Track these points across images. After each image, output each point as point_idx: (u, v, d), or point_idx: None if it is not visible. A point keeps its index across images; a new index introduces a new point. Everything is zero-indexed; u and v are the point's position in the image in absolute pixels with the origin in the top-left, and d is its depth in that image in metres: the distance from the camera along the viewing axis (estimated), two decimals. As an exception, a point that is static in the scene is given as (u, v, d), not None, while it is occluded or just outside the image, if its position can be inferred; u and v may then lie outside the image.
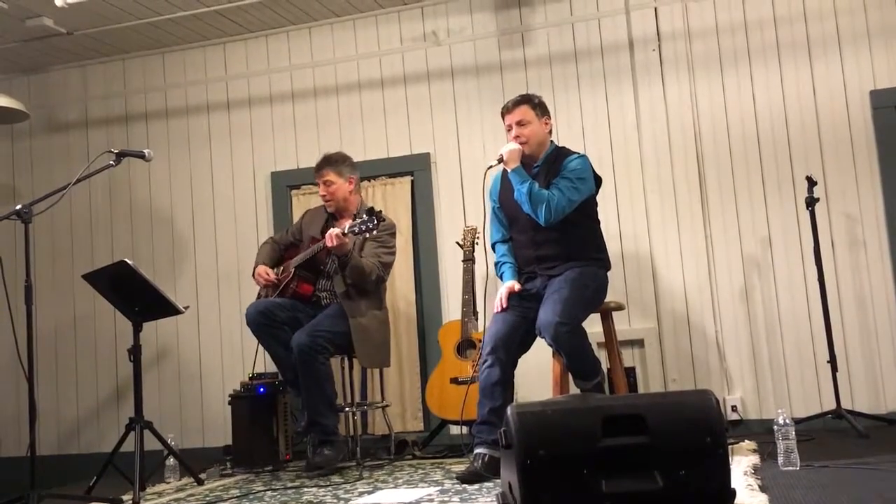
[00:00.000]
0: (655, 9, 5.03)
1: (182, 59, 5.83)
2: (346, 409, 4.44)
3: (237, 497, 3.59)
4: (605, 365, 4.09)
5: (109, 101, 5.95)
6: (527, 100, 3.91)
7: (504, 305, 3.79)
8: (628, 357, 4.80)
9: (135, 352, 3.92)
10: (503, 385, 3.64)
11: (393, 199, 5.33)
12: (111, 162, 3.71)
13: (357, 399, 4.67)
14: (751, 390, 4.72)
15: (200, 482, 4.01)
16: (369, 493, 3.47)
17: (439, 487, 3.46)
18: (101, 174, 3.95)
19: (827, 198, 4.66)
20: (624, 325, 4.75)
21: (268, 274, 4.51)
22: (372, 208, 4.01)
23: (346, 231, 4.03)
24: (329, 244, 4.05)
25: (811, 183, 4.38)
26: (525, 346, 3.79)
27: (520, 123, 3.86)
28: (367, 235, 4.12)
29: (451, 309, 5.11)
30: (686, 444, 2.34)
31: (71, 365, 5.81)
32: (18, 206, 3.43)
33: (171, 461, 4.17)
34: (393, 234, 4.43)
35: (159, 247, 5.76)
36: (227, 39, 5.74)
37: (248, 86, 5.71)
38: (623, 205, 4.95)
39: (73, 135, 6.01)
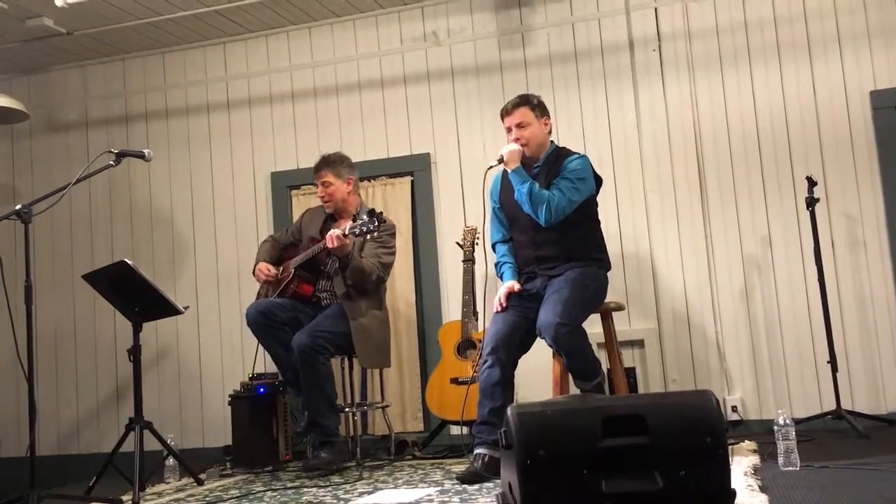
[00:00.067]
0: (655, 9, 5.03)
1: (182, 59, 5.83)
2: (346, 409, 4.44)
3: (237, 497, 3.59)
4: (605, 365, 4.09)
5: (109, 101, 5.95)
6: (526, 101, 3.90)
7: (503, 305, 3.79)
8: (628, 357, 4.80)
9: (135, 352, 3.92)
10: (503, 385, 3.64)
11: (393, 200, 5.32)
12: (111, 162, 3.70)
13: (357, 399, 4.67)
14: (751, 390, 4.72)
15: (200, 482, 4.01)
16: (369, 493, 3.47)
17: (439, 488, 3.46)
18: (101, 174, 3.94)
19: (827, 198, 4.66)
20: (624, 326, 4.75)
21: (268, 270, 4.51)
22: (372, 210, 4.01)
23: (346, 232, 4.02)
24: (329, 245, 4.05)
25: (811, 183, 4.38)
26: (525, 346, 3.79)
27: (519, 126, 3.86)
28: (368, 237, 4.13)
29: (451, 309, 5.11)
30: (686, 444, 2.34)
31: (71, 365, 5.81)
32: (18, 206, 3.43)
33: (170, 461, 4.17)
34: (393, 235, 4.43)
35: (159, 247, 5.76)
36: (227, 39, 5.74)
37: (248, 86, 5.71)
38: (623, 205, 4.95)
39: (73, 135, 6.01)
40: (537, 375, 4.29)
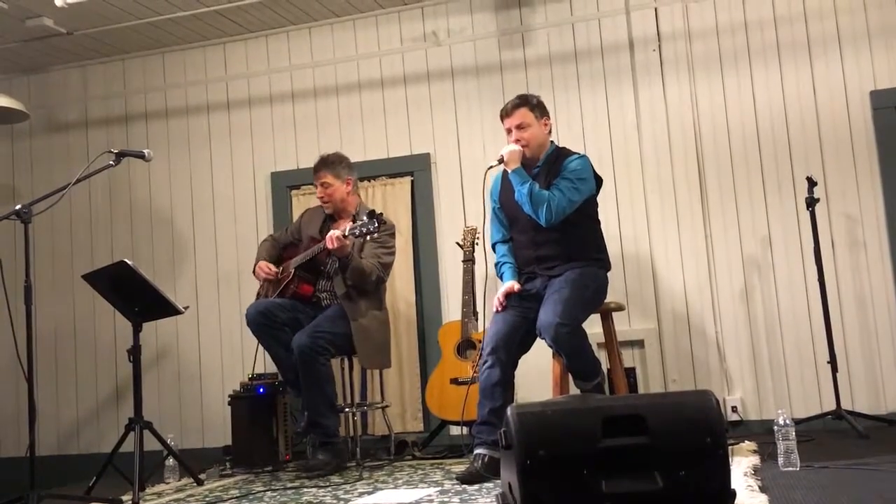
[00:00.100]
0: (655, 9, 5.03)
1: (182, 59, 5.83)
2: (346, 409, 4.44)
3: (237, 497, 3.59)
4: (605, 365, 4.09)
5: (109, 101, 5.95)
6: (525, 102, 3.89)
7: (501, 305, 3.79)
8: (628, 357, 4.80)
9: (134, 352, 3.92)
10: (503, 385, 3.64)
11: (393, 200, 5.32)
12: (111, 162, 3.70)
13: (357, 399, 4.67)
14: (751, 391, 4.72)
15: (200, 482, 4.01)
16: (369, 493, 3.47)
17: (439, 488, 3.45)
18: (101, 174, 3.94)
19: (827, 198, 4.66)
20: (624, 326, 4.75)
21: (269, 268, 4.51)
22: (372, 211, 4.01)
23: (346, 233, 4.02)
24: (329, 246, 4.05)
25: (811, 183, 4.38)
26: (525, 346, 3.79)
27: (519, 127, 3.85)
28: (368, 238, 4.13)
29: (451, 309, 5.11)
30: (686, 444, 2.34)
31: (70, 365, 5.81)
32: (18, 206, 3.42)
33: (170, 461, 4.17)
34: (392, 235, 4.43)
35: (159, 247, 5.76)
36: (227, 39, 5.74)
37: (248, 86, 5.71)
38: (623, 205, 4.95)
39: (73, 135, 6.01)
40: (537, 375, 4.29)
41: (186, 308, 4.14)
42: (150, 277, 3.95)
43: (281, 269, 4.57)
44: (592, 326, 3.93)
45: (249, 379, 4.63)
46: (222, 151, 5.72)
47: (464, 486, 3.45)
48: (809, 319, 4.64)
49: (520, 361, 3.78)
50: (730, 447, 2.92)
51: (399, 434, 4.79)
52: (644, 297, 4.89)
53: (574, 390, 3.80)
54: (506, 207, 3.98)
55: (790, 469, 3.24)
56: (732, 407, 4.69)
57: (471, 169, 5.17)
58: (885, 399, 4.53)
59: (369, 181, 5.34)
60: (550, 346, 3.64)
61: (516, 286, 3.82)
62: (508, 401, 3.62)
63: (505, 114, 3.90)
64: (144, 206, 5.81)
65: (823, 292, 4.33)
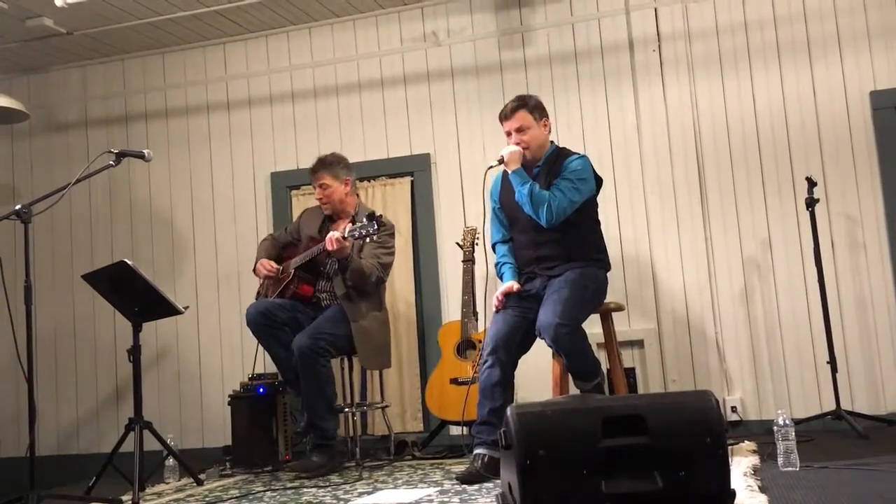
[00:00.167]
0: (655, 9, 5.03)
1: (182, 59, 5.83)
2: (346, 409, 4.43)
3: (237, 497, 3.59)
4: (604, 366, 4.09)
5: (109, 101, 5.95)
6: (524, 104, 3.87)
7: (500, 304, 3.79)
8: (628, 358, 4.80)
9: (134, 352, 3.92)
10: (503, 385, 3.64)
11: (393, 200, 5.32)
12: (111, 162, 3.70)
13: (357, 399, 4.67)
14: (750, 391, 4.72)
15: (200, 482, 4.01)
16: (369, 493, 3.47)
17: (439, 488, 3.46)
18: (101, 174, 3.94)
19: (827, 199, 4.66)
20: (624, 326, 4.75)
21: (270, 265, 4.51)
22: (372, 213, 4.01)
23: (345, 235, 4.02)
24: (329, 248, 4.05)
25: (811, 184, 4.38)
26: (525, 346, 3.79)
27: (519, 130, 3.84)
28: (367, 240, 4.13)
29: (451, 309, 5.11)
30: (686, 444, 2.34)
31: (70, 365, 5.81)
32: (18, 206, 3.43)
33: (170, 461, 4.17)
34: (392, 235, 4.43)
35: (159, 247, 5.76)
36: (227, 39, 5.74)
37: (248, 86, 5.71)
38: (623, 206, 4.95)
39: (72, 135, 6.01)
40: (537, 375, 4.29)
41: (186, 308, 4.15)
42: (150, 277, 3.95)
43: (281, 268, 4.57)
44: (592, 326, 3.93)
45: (249, 379, 4.63)
46: (222, 151, 5.72)
47: (464, 486, 3.45)
48: (809, 320, 4.64)
49: (520, 361, 3.78)
50: (729, 447, 2.93)
51: (399, 434, 4.79)
52: (644, 298, 4.89)
53: (574, 390, 3.80)
54: (506, 207, 3.98)
55: (790, 469, 3.25)
56: (732, 407, 4.69)
57: (471, 169, 5.17)
58: (885, 399, 4.53)
59: (369, 181, 5.35)
60: (550, 347, 3.64)
61: (516, 286, 3.82)
62: (508, 401, 3.62)
63: (504, 117, 3.89)
64: (144, 207, 5.82)
65: (823, 293, 4.33)
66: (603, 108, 5.06)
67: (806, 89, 4.79)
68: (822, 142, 4.74)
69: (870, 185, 4.65)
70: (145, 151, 3.79)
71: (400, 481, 3.72)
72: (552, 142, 3.98)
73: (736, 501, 2.41)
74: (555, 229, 3.74)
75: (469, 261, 4.70)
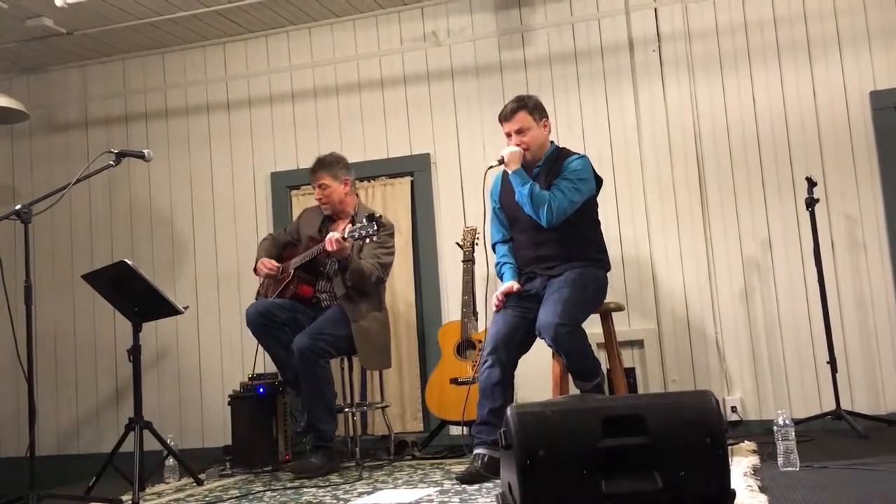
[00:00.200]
0: (655, 9, 5.03)
1: (182, 59, 5.83)
2: (346, 409, 4.44)
3: (237, 497, 3.59)
4: (604, 366, 4.09)
5: (109, 101, 5.95)
6: (523, 105, 3.86)
7: (500, 303, 3.79)
8: (628, 358, 4.80)
9: (134, 352, 3.92)
10: (503, 386, 3.64)
11: (393, 200, 5.32)
12: (111, 162, 3.70)
13: (357, 399, 4.67)
14: (750, 391, 4.72)
15: (200, 482, 4.01)
16: (369, 493, 3.47)
17: (439, 488, 3.46)
18: (101, 174, 3.94)
19: (827, 199, 4.66)
20: (624, 326, 4.75)
21: (271, 263, 4.50)
22: (372, 214, 4.01)
23: (345, 236, 4.02)
24: (329, 248, 4.04)
25: (811, 184, 4.38)
26: (525, 346, 3.79)
27: (519, 132, 3.84)
28: (367, 241, 4.12)
29: (451, 309, 5.11)
30: (686, 444, 2.35)
31: (70, 365, 5.81)
32: (18, 207, 3.42)
33: (170, 461, 4.17)
34: (391, 235, 4.43)
35: (159, 247, 5.76)
36: (227, 39, 5.74)
37: (248, 86, 5.71)
38: (623, 206, 4.95)
39: (72, 135, 6.01)
40: (537, 376, 4.29)
41: (186, 308, 4.15)
42: (150, 277, 3.95)
43: (281, 267, 4.57)
44: (592, 326, 3.93)
45: (249, 379, 4.63)
46: (222, 151, 5.72)
47: (463, 486, 3.45)
48: (809, 320, 4.64)
49: (520, 361, 3.78)
50: (729, 447, 2.93)
51: (399, 434, 4.79)
52: (644, 298, 4.89)
53: (574, 390, 3.80)
54: (506, 207, 3.98)
55: (790, 469, 3.25)
56: (732, 407, 4.69)
57: (471, 169, 5.17)
58: (885, 399, 4.53)
59: (369, 181, 5.35)
60: (550, 346, 3.64)
61: (516, 286, 3.82)
62: (508, 401, 3.62)
63: (504, 118, 3.88)
64: (144, 207, 5.82)
65: (823, 293, 4.33)
66: (603, 109, 5.06)
67: (806, 89, 4.79)
68: (822, 142, 4.74)
69: (870, 185, 4.65)
70: (145, 151, 3.79)
71: (400, 481, 3.72)
72: (552, 142, 3.98)
73: (736, 501, 2.41)
74: (555, 229, 3.74)
75: (469, 261, 4.70)
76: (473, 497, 3.20)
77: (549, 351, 3.79)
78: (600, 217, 3.99)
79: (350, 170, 4.53)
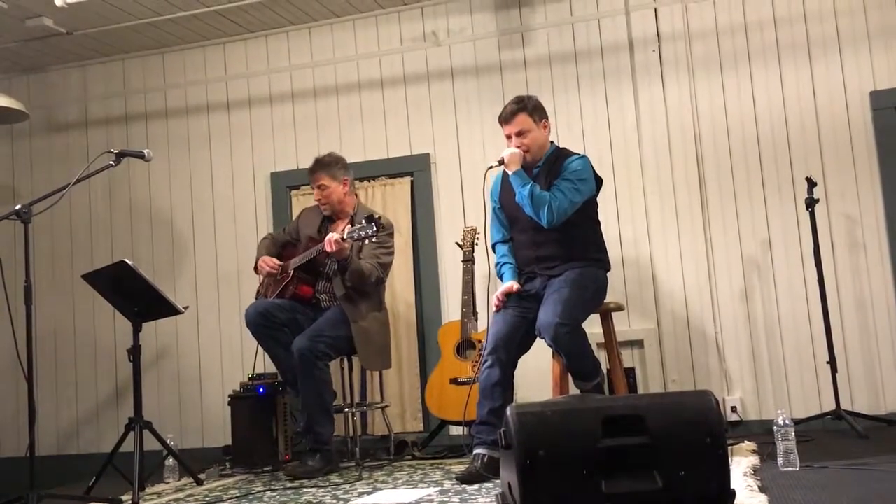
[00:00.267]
0: (655, 9, 5.03)
1: (182, 59, 5.83)
2: (346, 409, 4.44)
3: (236, 497, 3.59)
4: (604, 366, 4.09)
5: (109, 101, 5.95)
6: (523, 107, 3.84)
7: (500, 303, 3.79)
8: (628, 358, 4.80)
9: (134, 352, 3.92)
10: (503, 385, 3.65)
11: (392, 200, 5.32)
12: (111, 162, 3.70)
13: (356, 399, 4.67)
14: (750, 391, 4.72)
15: (200, 482, 4.01)
16: (369, 493, 3.47)
17: (439, 488, 3.46)
18: (101, 174, 3.94)
19: (827, 199, 4.66)
20: (624, 326, 4.75)
21: (273, 261, 4.50)
22: (371, 215, 4.00)
23: (344, 237, 4.02)
24: (328, 249, 4.04)
25: (811, 184, 4.38)
26: (525, 346, 3.79)
27: (519, 133, 3.83)
28: (367, 242, 4.12)
29: (451, 309, 5.11)
30: (686, 444, 2.35)
31: (70, 365, 5.81)
32: (18, 206, 3.42)
33: (170, 461, 4.17)
34: (391, 235, 4.43)
35: (159, 247, 5.76)
36: (227, 39, 5.74)
37: (248, 86, 5.71)
38: (623, 206, 4.95)
39: (72, 135, 6.01)
40: (537, 376, 4.29)
41: (186, 308, 4.15)
42: (150, 277, 3.95)
43: (280, 268, 4.57)
44: (592, 326, 3.93)
45: (249, 379, 4.63)
46: (222, 151, 5.72)
47: (463, 486, 3.45)
48: (809, 320, 4.64)
49: (520, 361, 3.78)
50: (729, 447, 2.93)
51: (399, 434, 4.79)
52: (644, 298, 4.89)
53: (574, 390, 3.80)
54: (506, 207, 3.98)
55: (789, 469, 3.25)
56: (732, 407, 4.69)
57: (471, 169, 5.17)
58: (885, 399, 4.53)
59: (369, 181, 5.35)
60: (550, 346, 3.64)
61: (516, 286, 3.82)
62: (508, 401, 3.62)
63: (504, 120, 3.87)
64: (144, 207, 5.81)
65: (823, 293, 4.34)
66: (603, 109, 5.06)
67: (806, 90, 4.79)
68: (821, 142, 4.74)
69: (870, 185, 4.65)
70: (145, 151, 3.79)
71: (400, 481, 3.72)
72: (552, 142, 3.98)
73: (736, 501, 2.41)
74: (555, 229, 3.74)
75: (469, 261, 4.70)
76: (473, 497, 3.20)
77: (549, 351, 3.79)
78: (600, 217, 3.99)
79: (349, 170, 4.53)
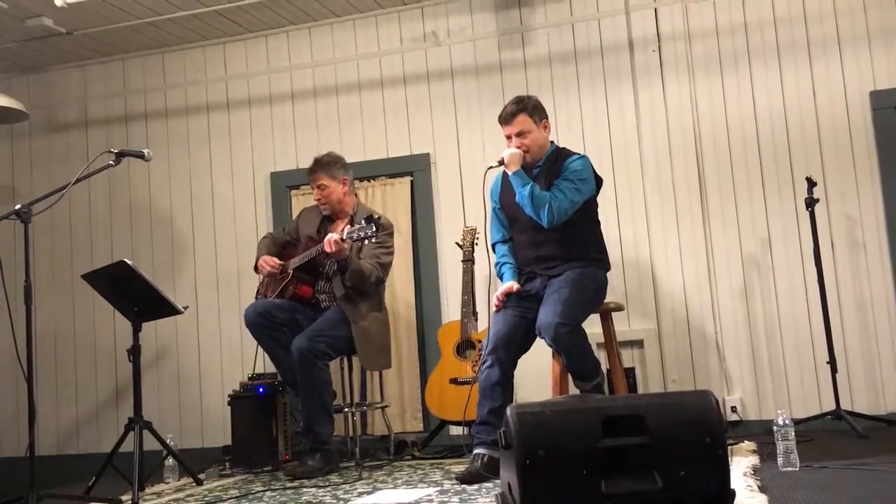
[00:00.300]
0: (655, 9, 5.03)
1: (182, 59, 5.83)
2: (346, 409, 4.44)
3: (236, 497, 3.59)
4: (604, 366, 4.09)
5: (109, 101, 5.95)
6: (523, 108, 3.84)
7: (500, 303, 3.79)
8: (628, 358, 4.80)
9: (134, 352, 3.92)
10: (503, 385, 3.65)
11: (392, 200, 5.32)
12: (111, 162, 3.70)
13: (356, 399, 4.66)
14: (750, 391, 4.72)
15: (199, 482, 4.01)
16: (368, 493, 3.47)
17: (438, 488, 3.45)
18: (101, 174, 3.95)
19: (827, 199, 4.66)
20: (623, 326, 4.75)
21: (273, 261, 4.49)
22: (370, 215, 4.00)
23: (343, 237, 4.01)
24: (328, 250, 4.04)
25: (811, 184, 4.38)
26: (525, 346, 3.79)
27: (520, 134, 3.83)
28: (366, 242, 4.12)
29: (451, 309, 5.10)
30: (686, 444, 2.34)
31: (70, 365, 5.81)
32: (18, 206, 3.42)
33: (170, 461, 4.17)
34: (391, 234, 4.42)
35: (158, 247, 5.76)
36: (227, 39, 5.74)
37: (248, 86, 5.71)
38: (623, 206, 4.95)
39: (72, 135, 6.00)
40: (537, 376, 4.29)
41: (186, 308, 4.15)
42: (150, 277, 3.95)
43: (282, 267, 4.56)
44: (592, 326, 3.93)
45: (249, 379, 4.63)
46: (222, 151, 5.72)
47: (463, 486, 3.45)
48: (809, 320, 4.64)
49: (519, 361, 3.78)
50: (729, 447, 2.93)
51: (398, 434, 4.79)
52: (644, 298, 4.89)
53: (573, 390, 3.80)
54: (506, 207, 3.98)
55: (789, 469, 3.25)
56: (732, 407, 4.69)
57: (471, 169, 5.17)
58: (885, 399, 4.53)
59: (369, 181, 5.35)
60: (550, 346, 3.64)
61: (515, 286, 3.82)
62: (508, 401, 3.62)
63: (503, 121, 3.87)
64: (144, 207, 5.81)
65: (823, 293, 4.34)
66: (603, 109, 5.06)
67: (806, 90, 4.79)
68: (821, 142, 4.74)
69: (870, 185, 4.65)
70: (145, 151, 3.79)
71: (399, 481, 3.72)
72: (552, 142, 3.98)
73: (736, 501, 2.41)
74: (555, 229, 3.74)
75: (469, 261, 4.70)
76: (473, 497, 3.19)
77: (549, 351, 3.79)
78: (600, 217, 3.99)
79: (348, 169, 4.52)
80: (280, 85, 5.64)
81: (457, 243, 4.86)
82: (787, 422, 3.27)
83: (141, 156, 3.77)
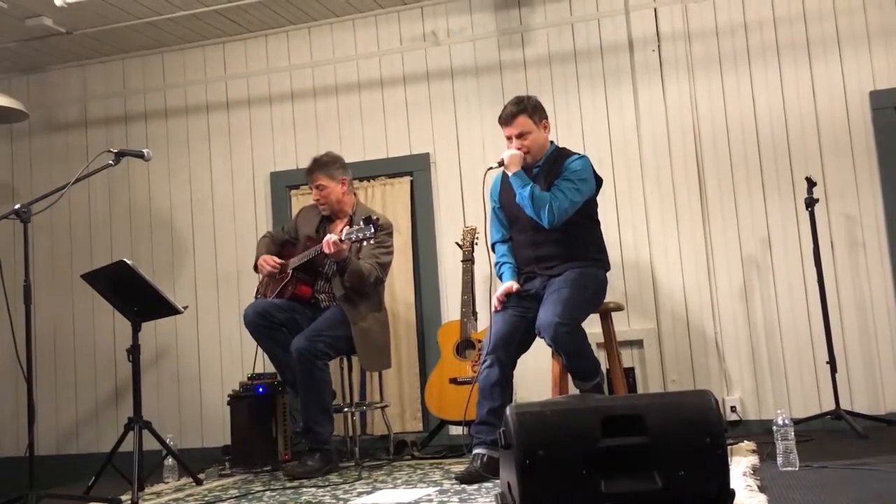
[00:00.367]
0: (655, 9, 5.03)
1: (181, 59, 5.83)
2: (345, 409, 4.43)
3: (236, 497, 3.59)
4: (604, 366, 4.09)
5: (109, 100, 5.95)
6: (522, 109, 3.83)
7: (500, 304, 3.79)
8: (627, 358, 4.80)
9: (133, 352, 3.92)
10: (502, 385, 3.65)
11: (392, 200, 5.32)
12: (110, 161, 3.70)
13: (356, 399, 4.66)
14: (750, 391, 4.72)
15: (199, 482, 4.01)
16: (368, 493, 3.47)
17: (438, 488, 3.45)
18: (100, 174, 3.95)
19: (826, 199, 4.66)
20: (623, 326, 4.75)
21: (273, 260, 4.49)
22: (369, 217, 4.00)
23: (342, 238, 4.01)
24: (327, 251, 4.04)
25: (811, 184, 4.38)
26: (524, 346, 3.79)
27: (520, 135, 3.83)
28: (365, 243, 4.12)
29: (451, 309, 5.10)
30: (685, 444, 2.34)
31: (70, 365, 5.81)
32: (17, 206, 3.42)
33: (169, 461, 4.17)
34: (390, 234, 4.42)
35: (158, 247, 5.75)
36: (227, 39, 5.74)
37: (248, 86, 5.71)
38: (623, 206, 4.95)
39: (72, 135, 6.00)
40: (536, 375, 4.29)
41: (185, 308, 4.15)
42: (150, 277, 3.95)
43: (281, 266, 4.56)
44: (592, 326, 3.93)
45: (249, 379, 4.63)
46: (221, 151, 5.72)
47: (463, 485, 3.45)
48: (808, 320, 4.64)
49: (519, 361, 3.78)
50: (729, 447, 2.93)
51: (398, 434, 4.79)
52: (643, 298, 4.89)
53: (573, 390, 3.80)
54: (506, 207, 3.98)
55: (789, 469, 3.25)
56: (731, 407, 4.69)
57: (470, 169, 5.17)
58: (884, 399, 4.53)
59: (368, 181, 5.35)
60: (550, 346, 3.64)
61: (515, 286, 3.82)
62: (507, 401, 3.62)
63: (504, 122, 3.86)
64: (143, 206, 5.81)
65: (822, 293, 4.33)
66: (602, 108, 5.06)
67: (805, 89, 4.79)
68: (821, 142, 4.74)
69: (869, 185, 4.65)
70: (144, 151, 3.79)
71: (399, 481, 3.72)
72: (552, 142, 3.98)
73: (735, 501, 2.41)
74: (554, 229, 3.74)
75: (468, 260, 4.70)
76: (473, 497, 3.19)
77: (549, 351, 3.79)
78: (600, 217, 3.99)
79: (347, 169, 4.52)
80: (280, 85, 5.64)
81: (456, 243, 4.86)
82: (786, 422, 3.27)
83: (140, 155, 3.77)
